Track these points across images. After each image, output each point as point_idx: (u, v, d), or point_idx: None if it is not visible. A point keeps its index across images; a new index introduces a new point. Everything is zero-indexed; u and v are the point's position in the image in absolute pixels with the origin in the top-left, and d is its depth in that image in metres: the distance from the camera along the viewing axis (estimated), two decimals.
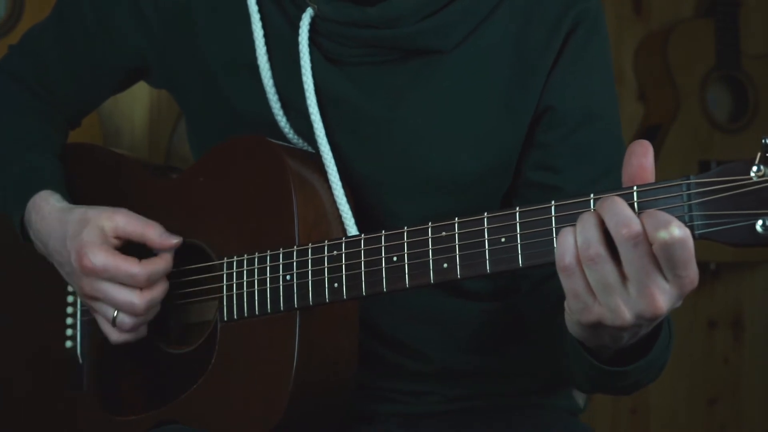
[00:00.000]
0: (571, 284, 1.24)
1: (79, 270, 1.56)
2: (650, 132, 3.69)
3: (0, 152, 1.73)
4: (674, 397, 3.85)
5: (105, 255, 1.55)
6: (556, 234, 1.27)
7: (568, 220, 1.26)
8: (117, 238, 1.58)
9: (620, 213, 1.20)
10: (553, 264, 1.26)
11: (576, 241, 1.22)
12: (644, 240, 1.19)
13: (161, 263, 1.56)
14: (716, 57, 3.70)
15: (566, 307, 1.27)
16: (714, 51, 3.70)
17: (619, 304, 1.22)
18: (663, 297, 1.20)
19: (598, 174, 1.55)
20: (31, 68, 1.80)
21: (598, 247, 1.21)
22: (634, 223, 1.19)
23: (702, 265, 3.85)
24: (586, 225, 1.22)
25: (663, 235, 1.17)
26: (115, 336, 1.59)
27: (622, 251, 1.20)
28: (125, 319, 1.57)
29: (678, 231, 1.17)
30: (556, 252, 1.23)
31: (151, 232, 1.57)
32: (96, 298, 1.57)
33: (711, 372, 3.89)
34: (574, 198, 1.27)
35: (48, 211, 1.62)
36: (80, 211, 1.60)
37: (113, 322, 1.57)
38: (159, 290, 1.57)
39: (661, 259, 1.19)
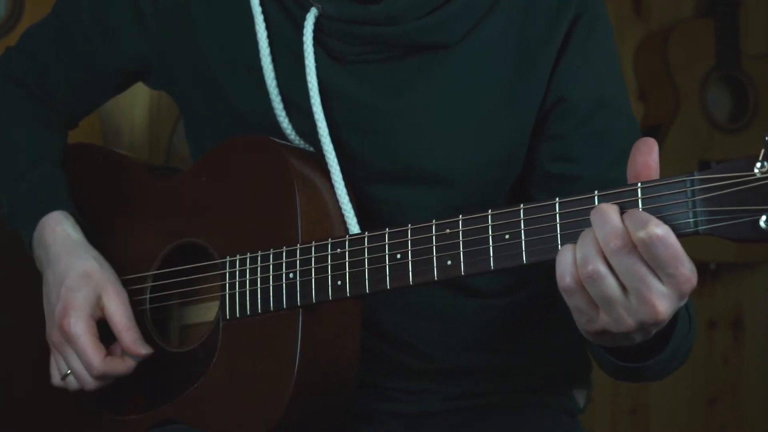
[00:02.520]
0: (572, 301, 1.25)
1: (57, 322, 1.58)
2: (650, 132, 3.69)
3: (4, 162, 1.73)
4: (674, 397, 3.85)
5: (84, 329, 1.57)
6: (561, 230, 1.27)
7: (572, 216, 1.27)
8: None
9: (606, 225, 1.20)
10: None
11: (575, 258, 1.22)
12: (633, 248, 1.19)
13: (122, 368, 1.58)
14: (716, 57, 3.70)
15: (574, 317, 1.28)
16: (714, 51, 3.70)
17: (622, 314, 1.23)
18: (662, 302, 1.21)
19: (616, 158, 1.55)
20: (29, 70, 1.79)
21: (596, 264, 1.21)
22: (620, 236, 1.20)
23: (702, 265, 3.85)
24: (585, 241, 1.23)
25: (641, 234, 1.18)
26: (57, 381, 1.62)
27: (613, 263, 1.21)
28: (73, 383, 1.60)
29: (656, 228, 1.18)
30: (557, 272, 1.24)
31: (126, 335, 1.58)
32: (57, 350, 1.60)
33: (711, 372, 3.89)
34: (578, 195, 1.27)
35: (62, 240, 1.63)
36: (87, 265, 1.60)
37: (63, 377, 1.60)
38: (111, 379, 1.59)
39: (647, 260, 1.19)
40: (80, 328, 1.56)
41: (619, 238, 1.20)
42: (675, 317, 1.35)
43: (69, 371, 1.60)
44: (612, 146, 1.56)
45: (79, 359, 1.58)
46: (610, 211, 1.21)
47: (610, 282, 1.21)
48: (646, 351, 1.37)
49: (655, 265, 1.19)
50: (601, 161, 1.55)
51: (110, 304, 1.58)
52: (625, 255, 1.20)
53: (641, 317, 1.22)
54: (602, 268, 1.21)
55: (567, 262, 1.23)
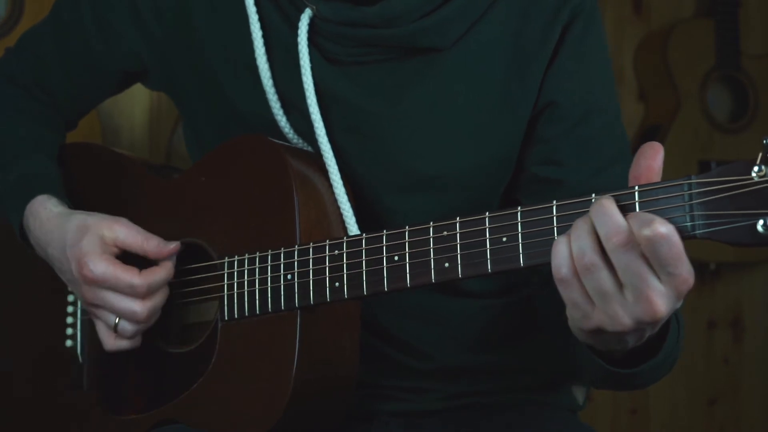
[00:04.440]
0: (568, 294, 1.24)
1: (79, 279, 1.56)
2: (650, 132, 3.69)
3: None
4: (674, 397, 3.85)
5: (105, 264, 1.55)
6: (558, 233, 1.27)
7: (569, 219, 1.26)
8: (116, 247, 1.58)
9: (608, 222, 1.20)
10: None
11: (571, 251, 1.22)
12: (635, 245, 1.19)
13: (161, 272, 1.56)
14: (716, 57, 3.70)
15: (567, 315, 1.27)
16: (714, 51, 3.70)
17: (617, 310, 1.22)
18: (660, 300, 1.21)
19: (602, 165, 1.56)
20: (28, 70, 1.80)
21: (593, 256, 1.21)
22: (623, 231, 1.20)
23: (702, 265, 3.86)
24: (581, 234, 1.22)
25: (646, 232, 1.18)
26: (111, 343, 1.58)
27: (614, 259, 1.20)
28: (127, 326, 1.57)
29: (661, 227, 1.18)
30: (552, 263, 1.24)
31: (149, 244, 1.56)
32: (97, 306, 1.57)
33: (711, 372, 3.89)
34: (575, 198, 1.27)
35: (46, 217, 1.62)
36: (79, 218, 1.60)
37: (114, 328, 1.57)
38: (160, 298, 1.57)
39: (650, 258, 1.19)
40: (101, 266, 1.54)
41: (621, 234, 1.20)
42: (666, 324, 1.35)
43: (117, 319, 1.57)
44: (599, 153, 1.56)
45: (117, 295, 1.55)
46: (612, 206, 1.21)
47: (607, 275, 1.21)
48: (634, 360, 1.37)
49: (657, 263, 1.19)
50: (587, 167, 1.55)
51: (117, 232, 1.57)
52: (625, 252, 1.20)
53: (638, 315, 1.22)
54: (599, 261, 1.21)
55: (563, 254, 1.23)
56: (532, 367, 1.69)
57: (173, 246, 1.57)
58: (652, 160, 1.24)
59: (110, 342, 1.58)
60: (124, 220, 1.58)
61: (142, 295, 1.55)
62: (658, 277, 1.20)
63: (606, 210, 1.21)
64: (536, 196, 1.56)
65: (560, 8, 1.55)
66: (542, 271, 1.58)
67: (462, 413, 1.66)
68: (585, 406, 1.76)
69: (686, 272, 1.20)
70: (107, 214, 1.60)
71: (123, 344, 1.58)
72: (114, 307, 1.56)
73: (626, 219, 1.20)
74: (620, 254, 1.20)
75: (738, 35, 3.70)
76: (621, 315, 1.22)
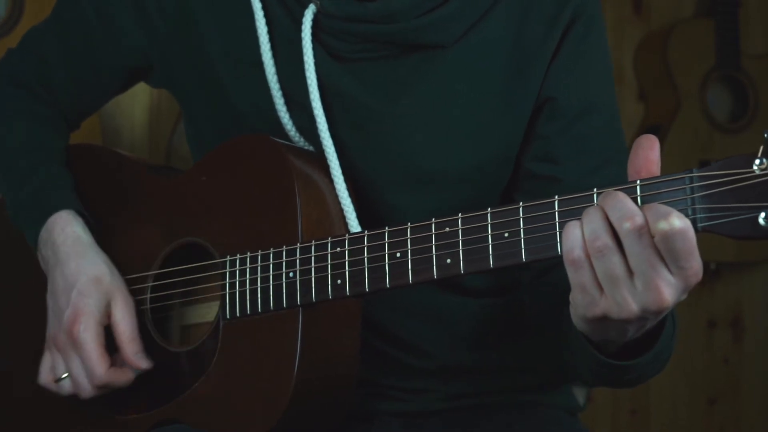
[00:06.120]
0: (578, 277, 1.24)
1: (66, 326, 1.58)
2: (650, 132, 3.68)
3: (9, 164, 1.73)
4: (674, 397, 3.85)
5: (92, 337, 1.57)
6: (560, 228, 1.27)
7: (571, 214, 1.27)
8: (108, 318, 1.60)
9: (623, 207, 1.21)
10: (555, 258, 1.28)
11: (583, 234, 1.23)
12: (647, 232, 1.20)
13: (122, 379, 1.58)
14: (716, 57, 3.70)
15: (571, 301, 1.28)
16: (714, 51, 3.70)
17: (626, 296, 1.22)
18: (668, 290, 1.21)
19: (598, 164, 1.56)
20: (31, 70, 1.79)
21: (606, 239, 1.21)
22: (637, 216, 1.20)
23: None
24: (593, 218, 1.22)
25: (663, 225, 1.18)
26: (45, 381, 1.63)
27: (626, 244, 1.21)
28: (66, 387, 1.61)
29: (678, 222, 1.18)
30: (564, 245, 1.24)
31: (130, 346, 1.58)
32: (59, 352, 1.60)
33: (711, 372, 3.89)
34: (578, 192, 1.27)
35: (72, 241, 1.63)
36: (100, 268, 1.61)
37: (57, 380, 1.61)
38: (108, 390, 1.60)
39: (663, 251, 1.19)
40: (89, 335, 1.57)
41: (634, 218, 1.20)
42: (662, 320, 1.35)
43: (65, 375, 1.60)
44: (595, 152, 1.57)
45: (81, 366, 1.58)
46: (622, 194, 1.22)
47: (618, 260, 1.22)
48: (626, 357, 1.38)
49: (670, 256, 1.20)
50: (583, 166, 1.56)
51: (117, 312, 1.59)
52: (638, 237, 1.20)
53: (646, 303, 1.22)
54: (612, 244, 1.21)
55: (576, 236, 1.23)
56: (531, 367, 1.69)
57: (145, 365, 1.58)
58: (650, 150, 1.24)
59: (46, 380, 1.63)
60: (131, 306, 1.60)
61: (96, 385, 1.58)
62: (669, 268, 1.20)
63: (617, 196, 1.22)
64: (531, 194, 1.56)
65: (562, 8, 1.56)
66: (533, 267, 1.58)
67: (462, 413, 1.66)
68: (585, 407, 1.76)
69: (697, 266, 1.20)
70: (125, 285, 1.62)
71: (52, 388, 1.62)
72: (71, 368, 1.59)
73: (642, 209, 1.20)
74: (633, 240, 1.20)
75: (738, 35, 3.71)
76: (629, 302, 1.23)
